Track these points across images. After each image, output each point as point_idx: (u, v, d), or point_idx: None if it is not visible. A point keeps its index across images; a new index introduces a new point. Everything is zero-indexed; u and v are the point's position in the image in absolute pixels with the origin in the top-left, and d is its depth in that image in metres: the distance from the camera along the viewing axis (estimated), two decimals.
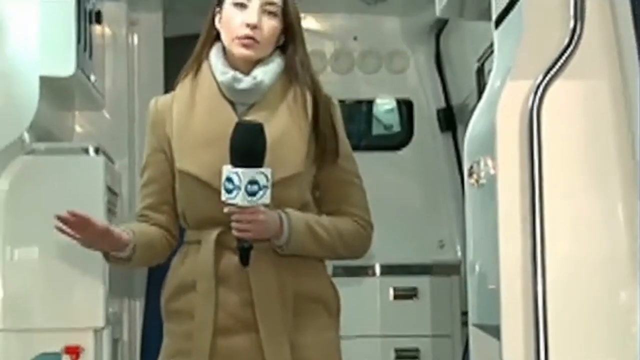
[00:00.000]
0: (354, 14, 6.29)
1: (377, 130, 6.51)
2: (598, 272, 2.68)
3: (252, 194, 3.04)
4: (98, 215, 5.01)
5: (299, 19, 3.30)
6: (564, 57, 2.67)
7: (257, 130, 3.08)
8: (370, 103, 6.46)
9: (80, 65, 5.08)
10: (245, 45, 3.21)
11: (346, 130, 3.36)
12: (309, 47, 3.36)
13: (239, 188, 3.03)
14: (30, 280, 4.93)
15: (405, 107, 6.37)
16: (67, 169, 5.05)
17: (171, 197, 3.31)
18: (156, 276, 5.72)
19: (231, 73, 3.23)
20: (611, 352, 2.66)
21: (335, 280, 3.37)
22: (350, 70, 6.40)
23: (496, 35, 3.22)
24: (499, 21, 3.16)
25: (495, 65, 3.24)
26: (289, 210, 3.17)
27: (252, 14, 3.20)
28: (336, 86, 5.89)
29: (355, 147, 3.41)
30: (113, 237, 3.14)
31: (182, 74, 3.33)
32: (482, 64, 5.26)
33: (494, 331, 2.87)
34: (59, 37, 4.92)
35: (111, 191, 5.29)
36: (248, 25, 3.20)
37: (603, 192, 2.70)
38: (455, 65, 6.14)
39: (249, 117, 3.19)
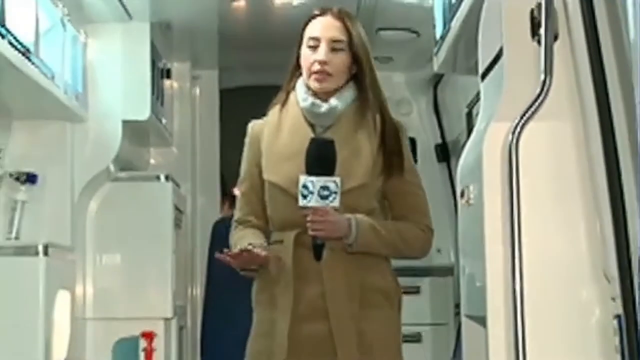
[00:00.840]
0: None
1: None
2: (564, 272, 2.67)
3: (324, 197, 2.97)
4: (167, 230, 5.08)
5: (366, 51, 3.19)
6: (536, 104, 2.66)
7: (328, 144, 3.03)
8: None
9: (154, 111, 5.12)
10: (318, 80, 3.13)
11: None
12: None
13: (312, 193, 2.96)
14: (114, 280, 4.98)
15: (410, 143, 6.34)
16: (143, 192, 5.09)
17: (264, 204, 3.18)
18: (215, 277, 5.74)
19: (311, 100, 3.14)
20: (575, 336, 2.64)
21: None
22: None
23: (482, 86, 3.21)
24: (484, 75, 3.16)
25: (481, 110, 3.23)
26: (357, 214, 3.06)
27: (321, 52, 3.11)
28: None
29: None
30: (264, 260, 3.05)
31: (273, 103, 3.23)
32: (471, 109, 5.25)
33: (481, 321, 2.85)
34: (137, 89, 4.97)
35: (178, 209, 5.32)
36: (319, 62, 3.12)
37: (567, 209, 2.69)
38: (449, 110, 6.13)
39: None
